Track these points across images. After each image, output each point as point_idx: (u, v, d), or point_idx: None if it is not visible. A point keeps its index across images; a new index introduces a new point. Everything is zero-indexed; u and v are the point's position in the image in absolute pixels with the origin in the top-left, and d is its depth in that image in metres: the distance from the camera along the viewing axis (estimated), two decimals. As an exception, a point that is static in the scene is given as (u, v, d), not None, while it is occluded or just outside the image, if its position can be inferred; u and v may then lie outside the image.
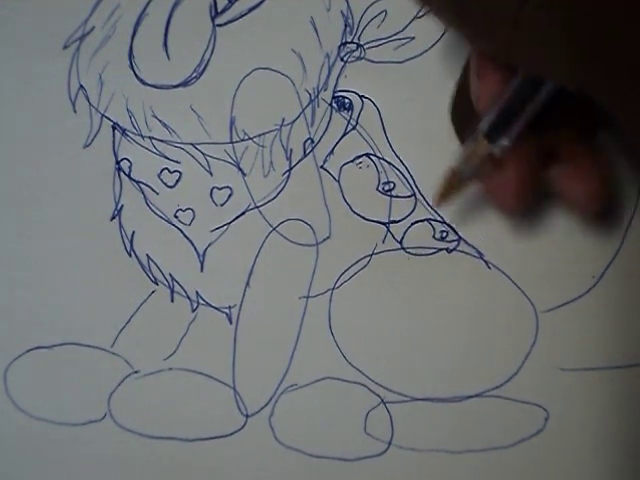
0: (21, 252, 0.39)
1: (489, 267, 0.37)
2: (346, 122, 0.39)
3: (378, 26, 0.40)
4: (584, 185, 0.34)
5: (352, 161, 0.39)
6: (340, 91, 0.39)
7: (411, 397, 0.36)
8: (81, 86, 0.41)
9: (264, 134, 0.39)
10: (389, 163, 0.38)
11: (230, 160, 0.39)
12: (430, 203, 0.38)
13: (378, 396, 0.36)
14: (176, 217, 0.39)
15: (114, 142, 0.40)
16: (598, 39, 0.26)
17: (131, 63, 0.41)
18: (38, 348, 0.38)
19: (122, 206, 0.39)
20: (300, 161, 0.39)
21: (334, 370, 0.36)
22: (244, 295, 0.38)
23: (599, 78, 0.27)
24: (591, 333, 0.36)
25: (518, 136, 0.33)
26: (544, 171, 0.35)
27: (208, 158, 0.39)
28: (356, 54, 0.40)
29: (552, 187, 0.35)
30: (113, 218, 0.39)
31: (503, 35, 0.28)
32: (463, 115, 0.36)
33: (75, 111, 0.41)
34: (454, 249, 0.37)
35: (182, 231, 0.39)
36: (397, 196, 0.38)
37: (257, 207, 0.38)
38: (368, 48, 0.40)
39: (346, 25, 0.40)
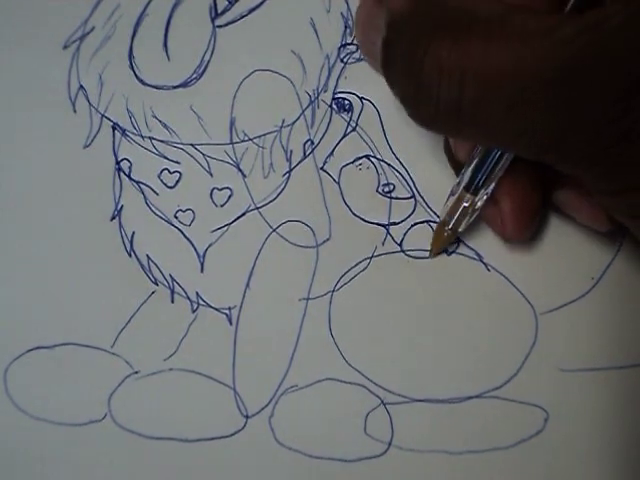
0: (21, 252, 0.39)
1: (488, 269, 0.37)
2: (346, 123, 0.39)
3: (378, 27, 0.40)
4: (589, 209, 0.34)
5: (352, 163, 0.39)
6: (340, 92, 0.39)
7: (411, 398, 0.36)
8: (81, 86, 0.41)
9: (264, 135, 0.39)
10: (389, 165, 0.38)
11: (230, 161, 0.39)
12: (430, 205, 0.38)
13: (378, 397, 0.36)
14: (176, 218, 0.39)
15: (114, 142, 0.40)
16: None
17: (131, 63, 0.41)
18: (38, 348, 0.38)
19: (122, 206, 0.39)
20: (300, 162, 0.39)
21: (334, 371, 0.36)
22: (244, 296, 0.38)
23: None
24: (590, 334, 0.36)
25: (501, 180, 0.34)
26: (551, 194, 0.35)
27: (208, 159, 0.39)
28: (356, 55, 0.40)
29: (562, 210, 0.35)
30: (113, 218, 0.39)
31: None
32: (450, 156, 0.37)
33: (75, 111, 0.41)
34: (453, 251, 0.37)
35: (182, 232, 0.39)
36: (397, 198, 0.38)
37: (257, 208, 0.38)
38: (368, 49, 0.40)
39: (346, 26, 0.40)
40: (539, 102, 0.25)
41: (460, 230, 0.36)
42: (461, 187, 0.35)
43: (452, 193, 0.35)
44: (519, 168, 0.34)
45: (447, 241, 0.37)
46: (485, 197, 0.35)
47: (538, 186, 0.35)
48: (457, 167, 0.36)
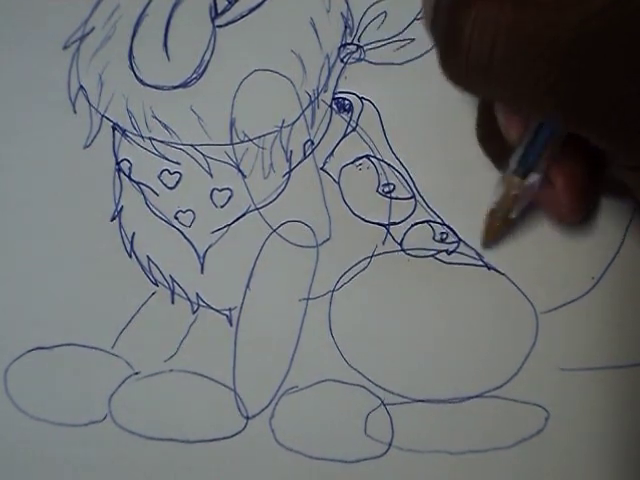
0: (21, 252, 0.39)
1: (489, 268, 0.37)
2: (346, 124, 0.39)
3: (378, 27, 0.40)
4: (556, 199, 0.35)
5: (352, 163, 0.39)
6: (340, 92, 0.39)
7: (411, 398, 0.36)
8: (81, 86, 0.41)
9: (264, 135, 0.39)
10: (389, 165, 0.38)
11: (230, 161, 0.39)
12: (430, 205, 0.38)
13: (378, 398, 0.36)
14: (176, 218, 0.39)
15: (114, 143, 0.40)
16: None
17: (131, 63, 0.41)
18: (38, 349, 0.38)
19: (122, 207, 0.39)
20: (300, 163, 0.39)
21: (334, 372, 0.36)
22: (244, 297, 0.38)
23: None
24: (591, 333, 0.36)
25: (554, 159, 0.33)
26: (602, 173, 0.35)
27: (208, 159, 0.39)
28: (356, 55, 0.40)
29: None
30: (113, 219, 0.39)
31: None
32: (491, 139, 0.36)
33: (75, 111, 0.41)
34: (454, 251, 0.37)
35: (182, 232, 0.39)
36: (397, 198, 0.38)
37: (257, 209, 0.38)
38: (368, 49, 0.40)
39: (346, 26, 0.40)
40: (566, 68, 0.26)
41: (513, 217, 0.35)
42: (511, 170, 0.34)
43: (502, 179, 0.34)
44: (570, 146, 0.33)
45: (500, 230, 0.36)
46: (540, 179, 0.33)
47: (589, 165, 0.34)
48: (494, 156, 0.36)
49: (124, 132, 0.40)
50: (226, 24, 0.41)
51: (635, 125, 0.27)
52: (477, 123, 0.37)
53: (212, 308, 0.38)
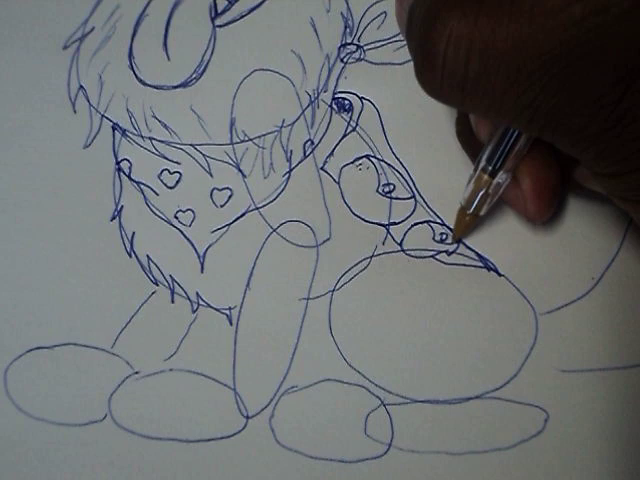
0: (21, 252, 0.39)
1: (489, 269, 0.37)
2: (346, 123, 0.39)
3: (378, 27, 0.40)
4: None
5: (352, 163, 0.39)
6: (340, 92, 0.39)
7: (411, 399, 0.36)
8: (81, 86, 0.41)
9: (264, 135, 0.39)
10: (389, 165, 0.38)
11: (230, 161, 0.39)
12: (430, 205, 0.38)
13: (378, 398, 0.36)
14: (176, 218, 0.39)
15: (114, 142, 0.40)
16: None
17: (131, 63, 0.41)
18: (38, 348, 0.38)
19: (122, 207, 0.39)
20: (300, 162, 0.39)
21: (334, 372, 0.36)
22: (244, 296, 0.38)
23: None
24: (591, 334, 0.36)
25: (521, 159, 0.34)
26: (571, 172, 0.35)
27: (208, 159, 0.39)
28: (356, 55, 0.40)
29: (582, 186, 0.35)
30: (113, 219, 0.39)
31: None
32: (467, 135, 0.37)
33: (75, 111, 0.41)
34: (454, 251, 0.37)
35: (182, 232, 0.39)
36: (397, 198, 0.38)
37: (257, 208, 0.38)
38: (368, 49, 0.40)
39: (346, 26, 0.40)
40: (541, 79, 0.26)
41: (482, 214, 0.36)
42: (479, 169, 0.34)
43: (471, 177, 0.35)
44: (537, 148, 0.34)
45: (469, 226, 0.37)
46: (507, 178, 0.34)
47: (556, 165, 0.34)
48: (472, 152, 0.36)
49: (124, 132, 0.40)
50: (226, 24, 0.41)
51: (614, 131, 0.27)
52: (456, 119, 0.37)
53: (212, 307, 0.38)
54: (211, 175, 0.39)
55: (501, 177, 0.34)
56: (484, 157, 0.34)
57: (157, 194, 0.39)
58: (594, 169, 0.29)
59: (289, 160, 0.39)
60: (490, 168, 0.34)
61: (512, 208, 0.37)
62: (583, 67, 0.25)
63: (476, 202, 0.35)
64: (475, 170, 0.35)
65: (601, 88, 0.26)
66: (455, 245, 0.37)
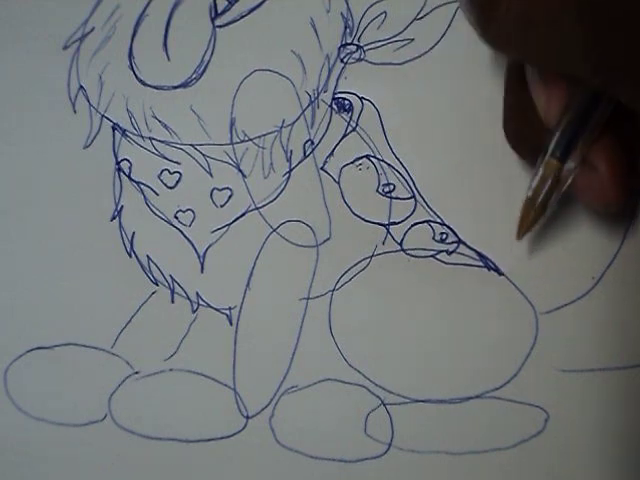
0: (21, 252, 0.39)
1: (489, 269, 0.37)
2: (346, 124, 0.39)
3: (378, 27, 0.40)
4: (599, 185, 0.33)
5: (352, 163, 0.39)
6: (340, 92, 0.39)
7: (411, 399, 0.36)
8: (81, 86, 0.41)
9: (264, 135, 0.39)
10: (389, 165, 0.38)
11: (230, 161, 0.39)
12: (430, 205, 0.38)
13: (378, 397, 0.36)
14: (176, 218, 0.39)
15: (114, 143, 0.40)
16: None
17: (131, 64, 0.41)
18: (38, 348, 0.38)
19: (122, 207, 0.39)
20: (300, 162, 0.39)
21: (334, 371, 0.36)
22: (244, 296, 0.38)
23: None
24: (591, 334, 0.36)
25: (592, 143, 0.32)
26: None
27: (208, 159, 0.39)
28: (356, 55, 0.40)
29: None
30: (113, 219, 0.39)
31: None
32: (521, 132, 0.35)
33: (75, 111, 0.41)
34: (454, 251, 0.37)
35: (182, 232, 0.39)
36: (397, 198, 0.38)
37: (257, 208, 0.38)
38: (368, 49, 0.40)
39: (346, 26, 0.40)
40: (601, 22, 0.26)
41: (550, 206, 0.34)
42: (549, 153, 0.33)
43: (539, 163, 0.33)
44: (610, 132, 0.32)
45: (537, 219, 0.34)
46: (576, 165, 0.32)
47: (628, 148, 0.33)
48: (525, 153, 0.36)
49: (124, 132, 0.40)
50: (226, 24, 0.41)
51: None
52: (506, 121, 0.36)
53: (212, 307, 0.38)
54: (211, 175, 0.39)
55: (572, 161, 0.32)
56: (554, 140, 0.32)
57: (157, 194, 0.39)
58: None
59: (289, 160, 0.39)
60: (561, 152, 0.32)
61: (585, 197, 0.35)
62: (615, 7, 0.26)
63: (544, 192, 0.33)
64: (544, 155, 0.33)
65: (635, 29, 0.26)
66: (455, 245, 0.37)
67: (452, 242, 0.37)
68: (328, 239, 0.38)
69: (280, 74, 0.40)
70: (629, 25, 0.26)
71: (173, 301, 0.38)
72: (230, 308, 0.38)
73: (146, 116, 0.40)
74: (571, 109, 0.32)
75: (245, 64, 0.40)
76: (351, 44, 0.40)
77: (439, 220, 0.38)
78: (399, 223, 0.38)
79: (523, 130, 0.35)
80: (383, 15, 0.40)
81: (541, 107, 0.33)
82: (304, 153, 0.39)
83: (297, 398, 0.36)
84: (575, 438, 0.35)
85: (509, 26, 0.28)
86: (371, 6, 0.40)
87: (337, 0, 0.40)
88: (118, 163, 0.40)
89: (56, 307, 0.38)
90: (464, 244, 0.37)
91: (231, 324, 0.37)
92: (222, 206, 0.39)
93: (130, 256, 0.39)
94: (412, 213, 0.38)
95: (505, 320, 0.36)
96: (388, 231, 0.38)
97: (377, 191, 0.38)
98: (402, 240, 0.38)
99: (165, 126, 0.40)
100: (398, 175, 0.38)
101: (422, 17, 0.39)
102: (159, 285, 0.38)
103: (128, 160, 0.40)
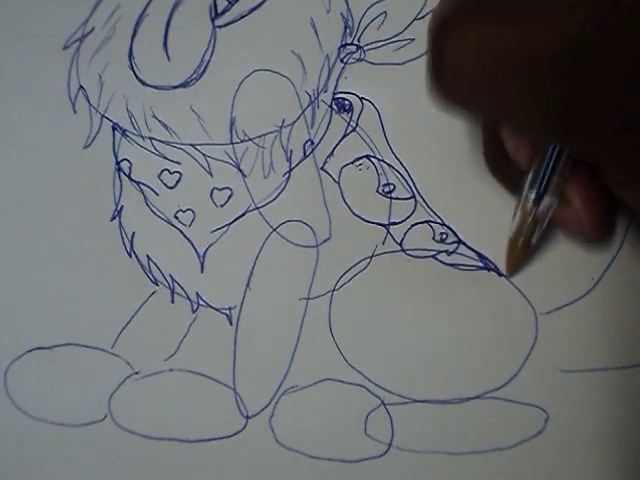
0: (21, 252, 0.39)
1: (489, 269, 0.37)
2: (346, 124, 0.39)
3: (378, 27, 0.40)
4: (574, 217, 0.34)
5: (352, 163, 0.39)
6: (340, 93, 0.39)
7: (411, 399, 0.36)
8: (81, 86, 0.41)
9: (264, 135, 0.39)
10: (389, 165, 0.38)
11: (230, 161, 0.39)
12: (430, 205, 0.38)
13: (378, 398, 0.36)
14: (176, 218, 0.39)
15: (114, 142, 0.40)
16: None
17: (131, 63, 0.41)
18: (38, 348, 0.38)
19: (122, 207, 0.39)
20: (300, 162, 0.39)
21: (334, 371, 0.36)
22: (244, 296, 0.38)
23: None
24: (591, 334, 0.36)
25: (566, 180, 0.33)
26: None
27: (208, 159, 0.39)
28: (356, 56, 0.40)
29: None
30: (113, 219, 0.39)
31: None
32: (498, 162, 0.36)
33: (75, 111, 0.41)
34: (454, 251, 0.37)
35: (182, 232, 0.39)
36: (397, 198, 0.38)
37: (257, 208, 0.38)
38: (368, 50, 0.40)
39: (346, 27, 0.40)
40: (553, 75, 0.26)
41: (534, 242, 0.36)
42: (523, 196, 0.34)
43: (516, 206, 0.35)
44: (581, 167, 0.33)
45: (523, 256, 0.36)
46: (553, 202, 0.34)
47: (599, 184, 0.34)
48: (504, 178, 0.36)
49: (124, 132, 0.40)
50: (226, 24, 0.41)
51: (623, 136, 0.26)
52: (485, 153, 0.37)
53: (212, 307, 0.38)
54: (211, 175, 0.39)
55: (548, 201, 0.34)
56: (527, 183, 0.34)
57: (157, 194, 0.39)
58: (607, 176, 0.29)
59: (289, 160, 0.39)
60: (534, 194, 0.33)
61: (566, 230, 0.36)
62: (591, 68, 0.25)
63: (525, 231, 0.35)
64: (519, 198, 0.34)
65: (614, 87, 0.25)
66: (455, 245, 0.37)
67: (452, 242, 0.37)
68: (328, 239, 0.38)
69: (280, 74, 0.40)
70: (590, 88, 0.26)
71: (173, 301, 0.38)
72: (230, 308, 0.38)
73: (146, 116, 0.40)
74: (540, 151, 0.33)
75: (245, 64, 0.40)
76: (351, 44, 0.40)
77: (439, 220, 0.38)
78: (399, 223, 0.38)
79: (500, 161, 0.36)
80: (383, 15, 0.40)
81: (511, 151, 0.34)
82: (304, 153, 0.39)
83: (297, 398, 0.36)
84: (575, 438, 0.35)
85: (455, 83, 0.28)
86: (371, 6, 0.40)
87: (337, 0, 0.40)
88: (118, 163, 0.40)
89: (56, 307, 0.38)
90: (464, 244, 0.37)
91: (231, 324, 0.37)
92: (222, 206, 0.39)
93: (130, 256, 0.39)
94: (412, 213, 0.38)
95: (505, 320, 0.36)
96: (388, 231, 0.38)
97: (377, 191, 0.38)
98: (402, 240, 0.38)
99: (165, 126, 0.40)
100: (398, 175, 0.38)
101: (422, 17, 0.40)
102: (159, 285, 0.38)
103: (128, 160, 0.40)
